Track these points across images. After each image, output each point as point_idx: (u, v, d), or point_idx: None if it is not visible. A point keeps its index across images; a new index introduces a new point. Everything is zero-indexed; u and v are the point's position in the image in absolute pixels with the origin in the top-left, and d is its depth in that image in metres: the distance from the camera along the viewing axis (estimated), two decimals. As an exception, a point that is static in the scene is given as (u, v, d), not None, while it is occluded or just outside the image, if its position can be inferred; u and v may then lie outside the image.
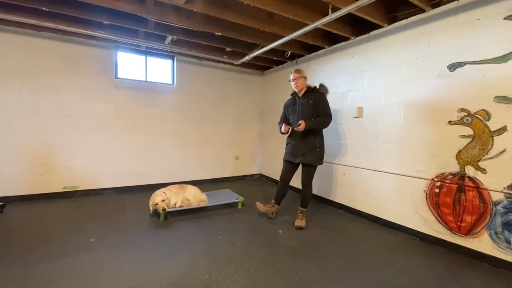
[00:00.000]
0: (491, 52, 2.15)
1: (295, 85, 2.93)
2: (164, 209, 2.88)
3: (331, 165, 3.73)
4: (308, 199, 2.99)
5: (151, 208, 2.98)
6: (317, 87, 2.96)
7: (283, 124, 2.97)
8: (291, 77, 2.94)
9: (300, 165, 3.00)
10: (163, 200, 2.94)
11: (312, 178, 2.97)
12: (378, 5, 2.70)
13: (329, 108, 2.88)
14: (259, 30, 3.21)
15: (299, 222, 2.89)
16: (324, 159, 3.79)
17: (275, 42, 3.47)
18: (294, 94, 3.05)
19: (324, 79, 3.86)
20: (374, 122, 3.13)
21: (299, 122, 2.75)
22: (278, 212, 3.28)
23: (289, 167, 3.05)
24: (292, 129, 3.00)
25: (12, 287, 1.75)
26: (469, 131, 2.29)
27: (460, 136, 2.35)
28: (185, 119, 4.69)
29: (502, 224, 2.11)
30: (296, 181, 4.42)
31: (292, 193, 4.29)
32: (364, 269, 2.10)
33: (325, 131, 3.82)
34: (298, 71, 2.92)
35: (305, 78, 2.92)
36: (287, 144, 3.10)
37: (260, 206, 3.13)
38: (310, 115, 2.84)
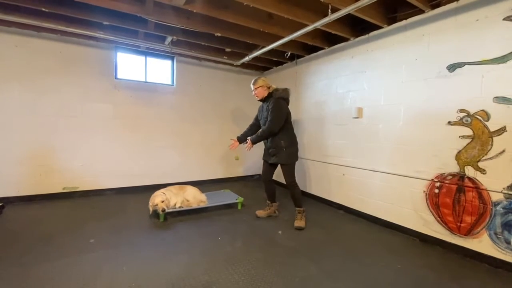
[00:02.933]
0: (490, 52, 2.15)
1: (255, 96, 3.08)
2: (163, 210, 2.88)
3: (331, 166, 3.73)
4: (298, 197, 3.01)
5: (151, 209, 2.98)
6: (275, 89, 3.01)
7: (232, 140, 3.25)
8: (251, 89, 3.08)
9: (279, 165, 3.06)
10: (162, 201, 2.94)
11: (293, 175, 2.98)
12: (377, 6, 2.71)
13: (274, 112, 2.86)
14: (259, 30, 3.21)
15: (298, 223, 2.89)
16: (324, 159, 3.83)
17: (274, 42, 3.47)
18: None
19: (324, 80, 3.87)
20: (373, 122, 3.13)
21: (247, 142, 2.98)
22: (279, 212, 3.30)
23: (267, 166, 3.18)
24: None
25: (11, 288, 1.75)
26: (468, 131, 2.29)
27: (459, 136, 2.35)
28: (185, 119, 4.69)
29: (501, 225, 2.11)
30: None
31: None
32: (363, 269, 2.10)
33: (324, 132, 3.81)
34: (254, 83, 3.04)
35: (261, 87, 3.00)
36: (265, 144, 3.19)
37: (260, 213, 3.22)
38: (267, 119, 2.95)
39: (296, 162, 3.02)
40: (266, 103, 3.02)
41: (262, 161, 3.23)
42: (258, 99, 3.09)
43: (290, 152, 2.95)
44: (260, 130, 2.98)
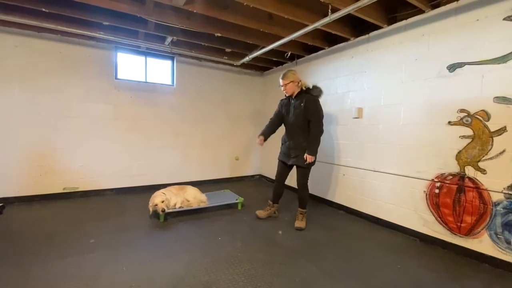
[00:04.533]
0: (490, 52, 2.15)
1: (284, 91, 2.94)
2: (163, 210, 2.88)
3: (331, 166, 3.73)
4: (306, 199, 2.99)
5: (151, 209, 2.98)
6: (311, 88, 2.92)
7: (259, 138, 3.11)
8: (280, 84, 2.93)
9: (295, 166, 3.01)
10: (162, 201, 2.94)
11: (307, 178, 2.97)
12: (377, 6, 2.71)
13: (319, 112, 2.83)
14: (259, 31, 3.21)
15: (299, 223, 2.89)
16: (324, 159, 3.83)
17: (274, 43, 3.47)
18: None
19: (324, 80, 3.87)
20: (373, 122, 3.13)
21: (305, 158, 2.79)
22: (278, 213, 3.30)
23: (284, 167, 3.10)
24: (286, 133, 3.08)
25: (12, 288, 1.75)
26: (468, 131, 2.29)
27: (460, 136, 2.35)
28: (185, 119, 4.69)
29: (502, 225, 2.11)
30: (294, 181, 4.42)
31: (291, 194, 4.28)
32: (364, 269, 2.10)
33: (324, 132, 3.82)
34: (284, 77, 2.87)
35: (293, 82, 2.85)
36: (282, 144, 3.14)
37: (260, 213, 3.18)
38: (302, 117, 2.85)
39: (289, 163, 3.00)
40: (297, 99, 2.87)
41: (278, 161, 3.14)
42: (287, 94, 2.94)
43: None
44: (312, 136, 2.80)
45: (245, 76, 5.34)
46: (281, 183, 3.16)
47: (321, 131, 2.84)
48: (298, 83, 2.89)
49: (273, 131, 3.22)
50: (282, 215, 3.29)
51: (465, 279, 2.00)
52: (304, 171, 2.94)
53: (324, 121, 3.79)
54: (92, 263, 2.06)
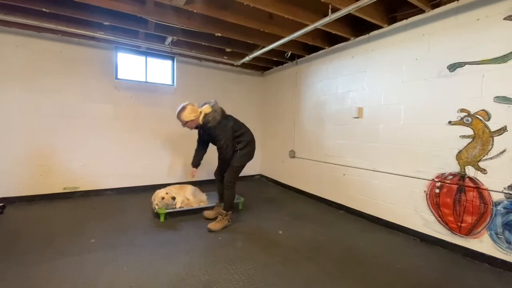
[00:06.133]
0: (491, 52, 2.15)
1: (188, 129, 2.86)
2: (173, 198, 2.96)
3: (331, 166, 3.72)
4: (228, 200, 2.86)
5: (156, 207, 2.96)
6: (205, 117, 2.70)
7: (193, 170, 3.17)
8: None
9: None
10: (167, 193, 3.01)
11: (234, 177, 2.88)
12: (378, 6, 2.71)
13: (222, 140, 2.72)
14: (259, 30, 3.21)
15: (212, 224, 2.77)
16: (324, 159, 3.82)
17: (275, 42, 3.47)
18: None
19: (324, 80, 3.87)
20: (374, 122, 3.13)
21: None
22: (278, 212, 3.29)
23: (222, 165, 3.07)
24: None
25: (12, 288, 1.75)
26: (469, 131, 2.29)
27: (460, 136, 2.35)
28: (185, 119, 4.69)
29: (502, 225, 2.10)
30: (298, 182, 4.42)
31: (291, 193, 4.28)
32: (364, 269, 2.10)
33: (324, 132, 3.81)
34: (179, 118, 2.71)
35: (192, 121, 2.69)
36: None
37: (208, 214, 2.92)
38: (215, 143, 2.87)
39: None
40: (203, 131, 2.91)
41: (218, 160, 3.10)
42: (191, 129, 2.88)
43: (243, 153, 2.87)
44: (219, 154, 2.90)
45: (246, 76, 5.33)
46: (220, 180, 3.09)
47: (226, 155, 2.80)
48: (198, 117, 2.69)
49: (202, 155, 3.20)
50: (282, 215, 3.29)
51: (465, 279, 2.00)
52: (231, 168, 2.86)
53: (324, 120, 3.84)
54: (93, 263, 2.07)
